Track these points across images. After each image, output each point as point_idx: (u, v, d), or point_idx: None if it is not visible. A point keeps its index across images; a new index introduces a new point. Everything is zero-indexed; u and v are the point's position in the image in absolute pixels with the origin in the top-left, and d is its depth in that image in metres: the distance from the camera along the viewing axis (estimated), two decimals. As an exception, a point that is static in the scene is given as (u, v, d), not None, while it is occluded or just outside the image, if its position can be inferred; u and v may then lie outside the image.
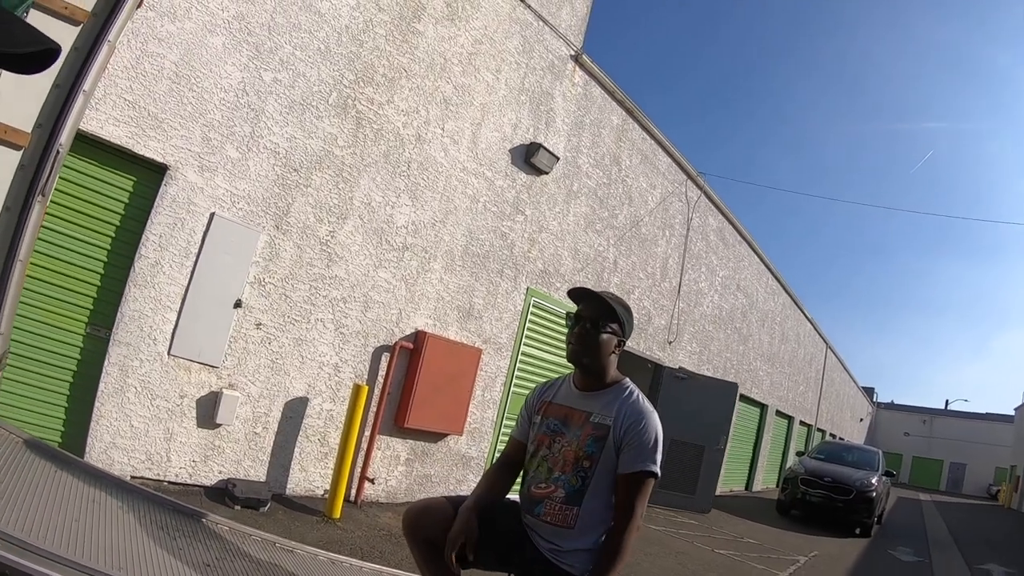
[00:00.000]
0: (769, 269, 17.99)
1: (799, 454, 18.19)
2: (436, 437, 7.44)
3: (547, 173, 8.54)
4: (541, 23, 8.23)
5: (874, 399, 54.14)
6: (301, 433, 6.12)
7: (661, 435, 2.46)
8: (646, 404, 2.52)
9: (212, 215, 5.28)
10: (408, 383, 6.93)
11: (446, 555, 2.40)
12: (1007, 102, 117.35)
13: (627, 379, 2.64)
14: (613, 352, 2.59)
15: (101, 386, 4.82)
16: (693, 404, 11.67)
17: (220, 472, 5.56)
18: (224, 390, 5.49)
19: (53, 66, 3.36)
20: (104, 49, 3.57)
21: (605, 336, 2.55)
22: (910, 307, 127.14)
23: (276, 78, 5.61)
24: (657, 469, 2.40)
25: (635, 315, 2.81)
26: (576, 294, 2.67)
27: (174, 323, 5.16)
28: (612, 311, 2.55)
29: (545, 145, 8.31)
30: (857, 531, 13.56)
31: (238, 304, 5.53)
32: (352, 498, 6.47)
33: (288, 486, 6.07)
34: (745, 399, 17.14)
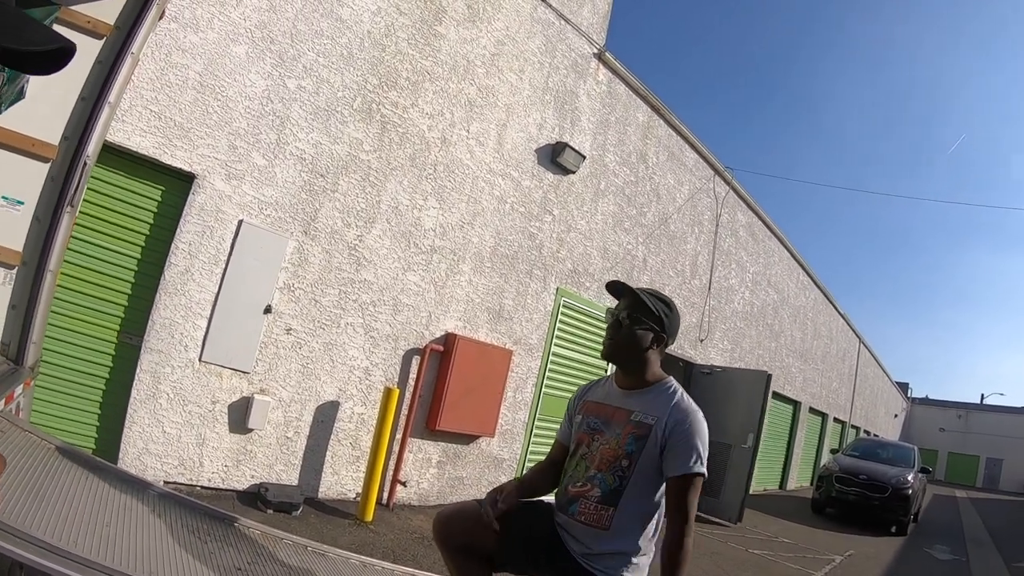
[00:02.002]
0: (800, 264, 17.63)
1: (833, 451, 17.88)
2: (468, 439, 7.39)
3: (574, 172, 8.45)
4: (563, 22, 8.14)
5: (908, 394, 53.24)
6: (333, 437, 6.10)
7: (707, 434, 2.36)
8: (691, 403, 2.42)
9: (240, 222, 5.29)
10: (439, 385, 6.89)
11: (483, 510, 2.41)
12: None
13: (670, 378, 2.52)
14: (651, 349, 2.49)
15: (133, 393, 4.85)
16: (722, 399, 11.04)
17: (252, 476, 5.56)
18: (255, 395, 5.49)
19: (78, 79, 3.40)
20: (128, 61, 3.59)
21: (639, 332, 2.46)
22: (943, 299, 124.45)
23: (300, 85, 5.60)
24: (704, 469, 2.31)
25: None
26: (612, 288, 2.60)
27: (205, 330, 5.17)
28: (646, 306, 2.46)
29: (571, 144, 8.22)
30: (893, 529, 13.22)
31: (268, 310, 5.53)
32: (384, 501, 6.43)
33: (320, 490, 6.05)
34: (778, 396, 16.86)
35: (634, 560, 2.39)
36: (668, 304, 2.54)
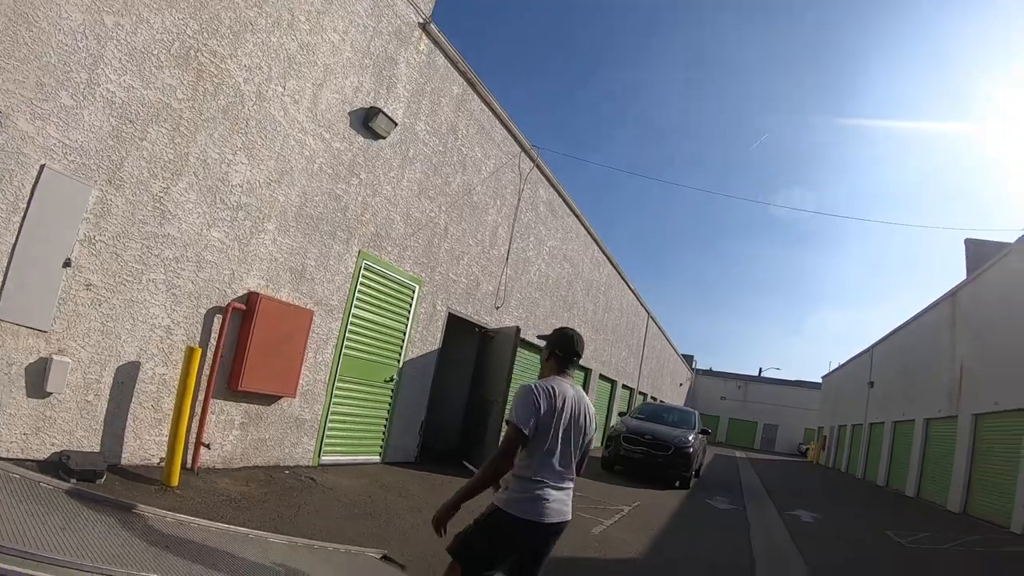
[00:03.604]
0: (596, 241, 19.52)
1: (621, 414, 19.96)
2: (269, 400, 7.73)
3: (384, 138, 8.97)
4: (393, -13, 8.54)
5: (693, 366, 60.03)
6: (134, 399, 6.19)
7: (521, 396, 3.29)
8: (533, 383, 3.37)
9: (42, 167, 5.18)
10: (241, 345, 7.17)
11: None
12: (847, 96, 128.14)
13: (553, 376, 3.51)
14: (547, 362, 3.59)
15: (-79, 354, 4.67)
16: (494, 359, 12.39)
17: (53, 445, 5.53)
18: (54, 356, 5.43)
19: None
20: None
21: (544, 363, 3.63)
22: (731, 285, 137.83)
23: (118, 22, 5.55)
24: (514, 421, 3.22)
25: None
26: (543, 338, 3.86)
27: (0, 283, 5.04)
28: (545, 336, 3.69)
29: (384, 110, 8.74)
30: (677, 484, 15.48)
31: (67, 263, 5.47)
32: (189, 465, 6.65)
33: (123, 455, 6.15)
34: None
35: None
36: (559, 329, 3.65)
